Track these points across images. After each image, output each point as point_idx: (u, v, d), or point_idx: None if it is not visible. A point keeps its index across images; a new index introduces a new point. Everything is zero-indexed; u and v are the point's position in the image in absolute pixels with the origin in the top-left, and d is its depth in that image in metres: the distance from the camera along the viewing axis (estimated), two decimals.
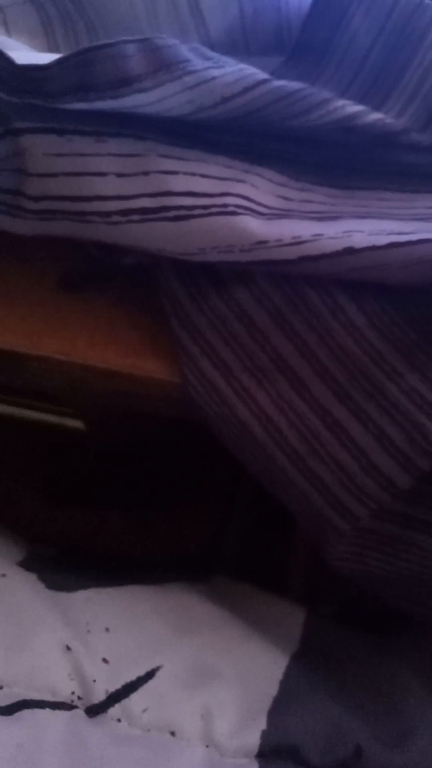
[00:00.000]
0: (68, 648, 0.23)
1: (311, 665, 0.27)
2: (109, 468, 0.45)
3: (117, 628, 0.25)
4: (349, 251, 0.22)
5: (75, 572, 0.29)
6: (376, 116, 0.25)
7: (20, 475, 0.44)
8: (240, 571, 0.40)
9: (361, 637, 0.30)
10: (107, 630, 0.25)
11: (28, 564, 0.28)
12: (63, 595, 0.26)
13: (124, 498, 0.44)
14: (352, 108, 0.24)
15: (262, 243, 0.22)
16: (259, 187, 0.24)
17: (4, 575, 0.26)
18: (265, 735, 0.22)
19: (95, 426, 0.42)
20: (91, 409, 0.39)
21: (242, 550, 0.44)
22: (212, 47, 0.31)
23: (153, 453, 0.46)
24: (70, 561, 0.32)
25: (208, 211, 0.22)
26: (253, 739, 0.22)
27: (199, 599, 0.29)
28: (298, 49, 0.28)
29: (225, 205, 0.22)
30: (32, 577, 0.27)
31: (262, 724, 0.23)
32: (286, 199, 0.24)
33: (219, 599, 0.30)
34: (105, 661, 0.23)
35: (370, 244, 0.22)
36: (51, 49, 0.31)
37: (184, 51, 0.22)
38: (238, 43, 0.31)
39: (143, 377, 0.25)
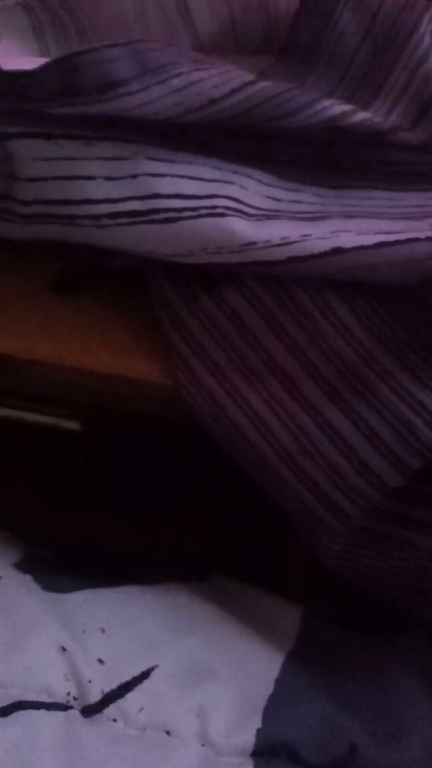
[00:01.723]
0: (64, 649, 0.23)
1: (307, 663, 0.27)
2: (107, 468, 0.45)
3: (112, 629, 0.25)
4: (338, 251, 0.22)
5: (71, 573, 0.29)
6: (363, 115, 0.25)
7: (17, 477, 0.44)
8: (239, 569, 0.41)
9: (358, 635, 0.30)
10: (103, 630, 0.25)
11: (24, 566, 0.28)
12: (59, 596, 0.26)
13: (121, 498, 0.44)
14: (339, 108, 0.24)
15: (251, 244, 0.22)
16: (248, 188, 0.24)
17: (0, 577, 0.26)
18: (260, 733, 0.22)
19: (91, 427, 0.42)
20: (85, 411, 0.39)
21: (241, 549, 0.44)
22: (202, 48, 0.31)
23: (151, 453, 0.46)
24: (67, 562, 0.32)
25: (196, 213, 0.22)
26: (248, 737, 0.22)
27: (195, 599, 0.30)
28: (287, 49, 0.28)
29: (214, 207, 0.22)
30: (28, 579, 0.27)
31: (257, 722, 0.23)
32: (275, 199, 0.24)
33: (215, 598, 0.30)
34: (100, 661, 0.23)
35: (359, 243, 0.22)
36: (42, 53, 0.31)
37: (171, 54, 0.22)
38: (228, 43, 0.31)
39: (136, 379, 0.25)
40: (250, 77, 0.22)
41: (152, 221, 0.22)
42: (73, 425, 0.43)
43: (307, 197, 0.25)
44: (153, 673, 0.24)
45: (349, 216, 0.24)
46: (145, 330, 0.26)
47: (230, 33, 0.30)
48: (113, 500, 0.44)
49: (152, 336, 0.26)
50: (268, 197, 0.24)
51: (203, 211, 0.22)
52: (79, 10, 0.31)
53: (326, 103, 0.24)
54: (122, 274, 0.26)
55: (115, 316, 0.26)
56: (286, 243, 0.22)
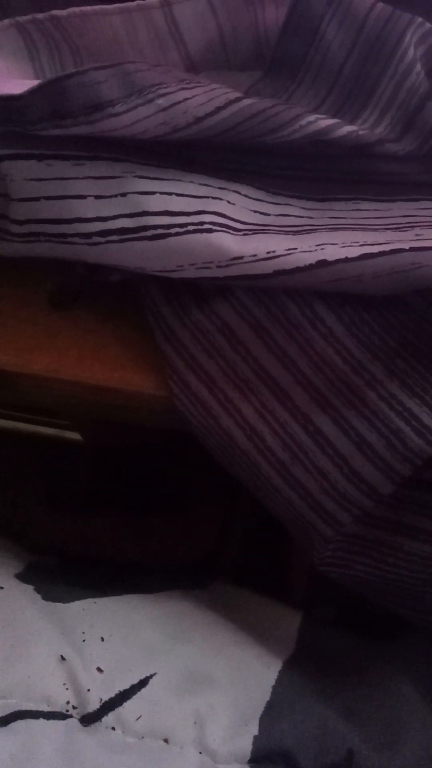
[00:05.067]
0: (63, 658, 0.24)
1: (305, 669, 0.27)
2: (110, 476, 0.45)
3: (112, 638, 0.26)
4: (323, 263, 0.23)
5: (72, 583, 0.29)
6: (349, 128, 0.25)
7: (22, 486, 0.44)
8: (242, 575, 0.41)
9: (356, 641, 0.30)
10: (102, 639, 0.25)
11: (25, 576, 0.29)
12: (59, 606, 0.27)
13: (125, 505, 0.44)
14: (325, 122, 0.24)
15: (237, 259, 0.23)
16: (236, 203, 0.24)
17: (1, 588, 0.27)
18: (257, 740, 0.23)
19: (91, 437, 0.42)
20: (84, 422, 0.40)
21: (245, 555, 0.44)
22: (193, 64, 0.31)
23: (153, 460, 0.46)
24: (69, 571, 0.32)
25: (184, 229, 0.22)
26: (245, 744, 0.23)
27: (195, 606, 0.30)
28: (275, 64, 0.29)
29: (201, 223, 0.23)
30: (29, 589, 0.27)
31: (254, 729, 0.23)
32: (262, 214, 0.25)
33: (215, 605, 0.30)
34: (99, 670, 0.24)
35: (343, 256, 0.22)
36: (37, 74, 0.32)
37: (156, 74, 0.22)
38: (220, 59, 0.32)
39: (130, 391, 0.26)
40: (235, 95, 0.23)
41: (142, 238, 0.22)
42: (76, 435, 0.43)
43: (294, 210, 0.25)
44: (151, 681, 0.24)
45: (336, 228, 0.25)
46: (139, 343, 0.26)
47: (220, 49, 0.31)
48: (117, 507, 0.44)
49: (146, 348, 0.26)
50: (256, 212, 0.25)
51: (191, 228, 0.22)
52: (72, 31, 0.31)
53: (311, 117, 0.24)
54: (116, 288, 0.27)
55: (110, 330, 0.27)
56: (272, 257, 0.23)
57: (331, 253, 0.22)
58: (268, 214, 0.25)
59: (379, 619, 0.32)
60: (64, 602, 0.27)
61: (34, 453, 0.45)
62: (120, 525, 0.43)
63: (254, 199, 0.25)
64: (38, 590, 0.27)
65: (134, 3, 0.31)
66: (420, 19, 0.27)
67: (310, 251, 0.23)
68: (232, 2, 0.30)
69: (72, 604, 0.27)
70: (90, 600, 0.28)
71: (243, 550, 0.44)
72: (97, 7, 0.31)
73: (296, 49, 0.28)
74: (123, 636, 0.26)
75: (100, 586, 0.29)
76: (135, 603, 0.28)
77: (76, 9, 0.31)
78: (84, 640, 0.25)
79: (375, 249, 0.22)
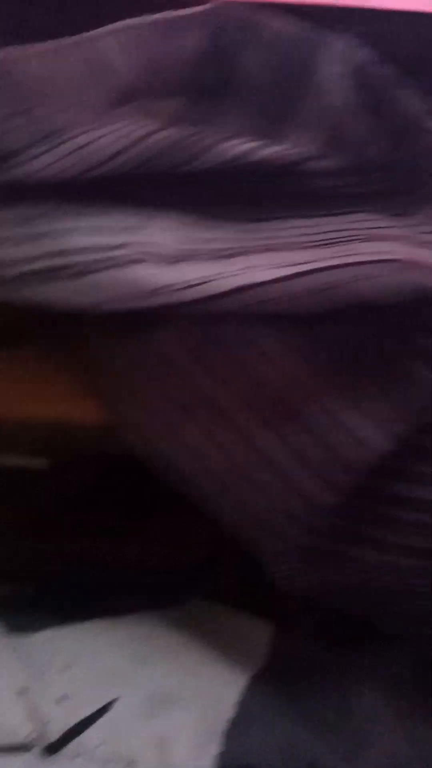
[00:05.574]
0: (24, 690, 0.24)
1: (272, 683, 0.27)
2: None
3: (75, 665, 0.26)
4: (251, 286, 0.23)
5: (42, 610, 0.30)
6: (272, 149, 0.25)
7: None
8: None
9: (326, 650, 0.30)
10: (65, 667, 0.26)
11: None
12: (23, 638, 0.27)
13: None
14: (246, 145, 0.25)
15: (164, 287, 0.23)
16: (165, 230, 0.25)
17: None
18: (221, 757, 0.23)
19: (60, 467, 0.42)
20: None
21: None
22: (122, 94, 0.31)
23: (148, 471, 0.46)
24: (43, 598, 0.33)
25: (105, 264, 0.23)
26: (209, 762, 0.23)
27: (165, 627, 0.30)
28: (197, 90, 0.29)
29: (124, 256, 0.23)
30: None
31: (218, 746, 0.23)
32: (192, 239, 0.25)
33: (186, 624, 0.31)
34: (62, 699, 0.24)
35: (272, 276, 0.23)
36: None
37: (69, 114, 0.23)
38: (148, 87, 0.32)
39: (74, 424, 0.26)
40: (149, 128, 0.23)
41: (63, 277, 0.23)
42: (41, 462, 0.43)
43: (225, 234, 0.26)
44: (113, 707, 0.24)
45: (268, 249, 0.25)
46: (80, 374, 0.27)
47: (148, 78, 0.31)
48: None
49: (86, 379, 0.26)
50: (185, 238, 0.25)
51: (111, 262, 0.23)
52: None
53: (231, 142, 0.25)
54: (56, 321, 0.27)
55: (51, 364, 0.27)
56: (199, 283, 0.23)
57: (260, 275, 0.23)
58: (198, 239, 0.25)
59: (348, 624, 0.32)
60: (29, 632, 0.27)
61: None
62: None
63: (184, 224, 0.26)
64: (3, 622, 0.28)
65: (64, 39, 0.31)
66: (337, 36, 0.27)
67: (238, 275, 0.23)
68: (156, 31, 0.30)
69: (37, 634, 0.27)
70: (56, 629, 0.28)
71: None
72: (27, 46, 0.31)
73: (215, 74, 0.28)
74: (87, 662, 0.26)
75: (69, 612, 0.30)
76: (99, 628, 0.29)
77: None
78: (47, 670, 0.25)
79: (305, 267, 0.23)
